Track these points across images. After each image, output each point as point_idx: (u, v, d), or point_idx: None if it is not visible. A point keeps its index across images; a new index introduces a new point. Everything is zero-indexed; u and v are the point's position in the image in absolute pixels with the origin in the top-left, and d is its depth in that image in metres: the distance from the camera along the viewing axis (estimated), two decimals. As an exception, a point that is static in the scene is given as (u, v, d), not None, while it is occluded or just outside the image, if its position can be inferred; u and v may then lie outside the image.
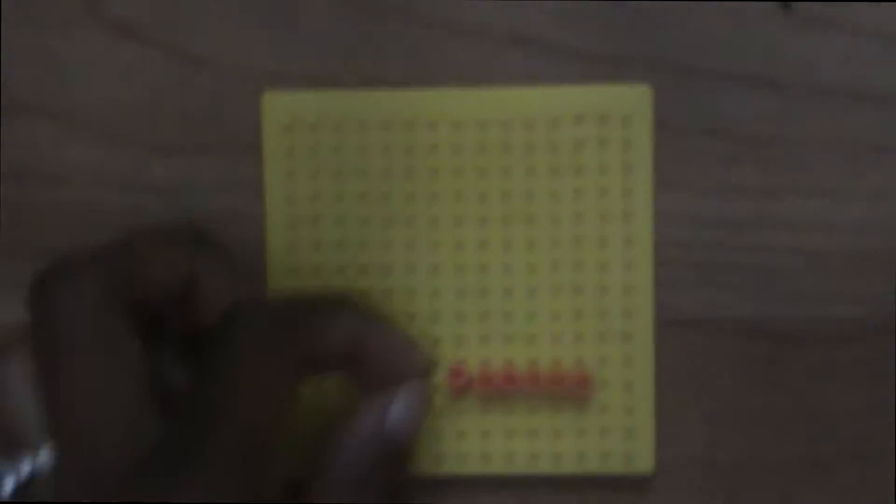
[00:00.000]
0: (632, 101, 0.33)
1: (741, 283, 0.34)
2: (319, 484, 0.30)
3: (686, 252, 0.34)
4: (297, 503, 0.30)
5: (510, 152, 0.33)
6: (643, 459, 0.34)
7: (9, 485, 0.30)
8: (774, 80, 0.33)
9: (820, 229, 0.34)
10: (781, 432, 0.34)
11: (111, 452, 0.27)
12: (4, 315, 0.34)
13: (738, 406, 0.34)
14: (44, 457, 0.30)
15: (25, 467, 0.30)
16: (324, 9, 0.34)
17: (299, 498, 0.30)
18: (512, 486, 0.34)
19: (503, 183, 0.33)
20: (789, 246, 0.34)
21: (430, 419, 0.34)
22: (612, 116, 0.33)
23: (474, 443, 0.34)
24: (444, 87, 0.34)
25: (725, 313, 0.34)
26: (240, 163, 0.34)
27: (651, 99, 0.33)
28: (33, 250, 0.34)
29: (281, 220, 0.34)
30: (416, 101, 0.33)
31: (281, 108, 0.34)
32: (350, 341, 0.29)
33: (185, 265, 0.30)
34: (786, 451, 0.34)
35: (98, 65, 0.34)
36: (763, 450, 0.34)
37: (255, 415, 0.27)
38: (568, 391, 0.34)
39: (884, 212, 0.33)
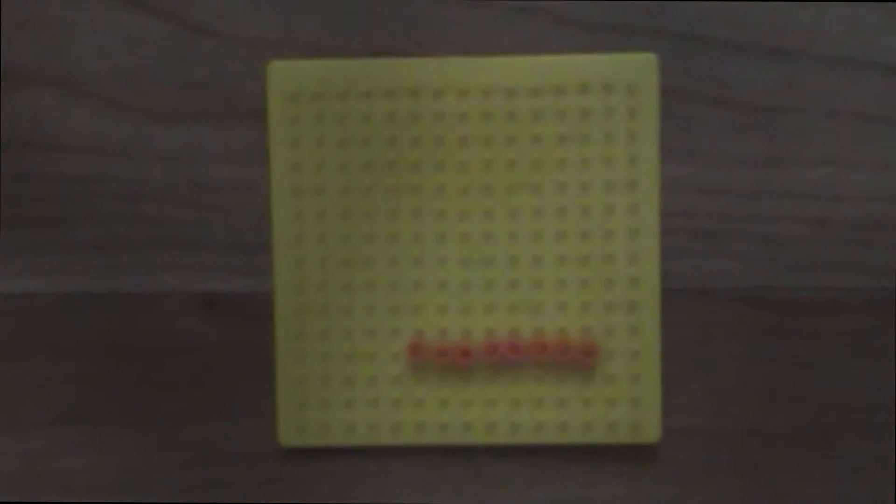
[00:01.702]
0: (637, 69, 0.33)
1: (746, 252, 0.34)
2: None
3: (691, 221, 0.34)
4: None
5: (516, 121, 0.33)
6: (649, 429, 0.34)
7: None
8: (779, 48, 0.33)
9: (825, 198, 0.34)
10: (786, 402, 0.34)
11: None
12: (7, 284, 0.34)
13: (743, 375, 0.34)
14: None
15: None
16: (329, -23, 0.34)
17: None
18: (518, 456, 0.34)
19: (509, 151, 0.33)
20: (794, 215, 0.34)
21: (435, 388, 0.34)
22: (617, 85, 0.33)
23: (480, 412, 0.34)
24: (450, 55, 0.33)
25: (731, 282, 0.34)
26: (244, 132, 0.34)
27: (656, 67, 0.33)
28: (37, 219, 0.34)
29: (286, 188, 0.34)
30: (422, 70, 0.33)
31: (286, 76, 0.33)
32: None
33: None
34: (790, 420, 0.34)
35: (102, 33, 0.34)
36: (768, 419, 0.34)
37: None
38: (574, 360, 0.33)
39: (888, 181, 0.34)
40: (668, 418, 0.34)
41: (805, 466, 0.34)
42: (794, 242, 0.34)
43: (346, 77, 0.33)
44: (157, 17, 0.34)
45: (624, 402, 0.34)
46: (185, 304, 0.34)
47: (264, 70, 0.34)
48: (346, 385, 0.34)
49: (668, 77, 0.33)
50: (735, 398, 0.34)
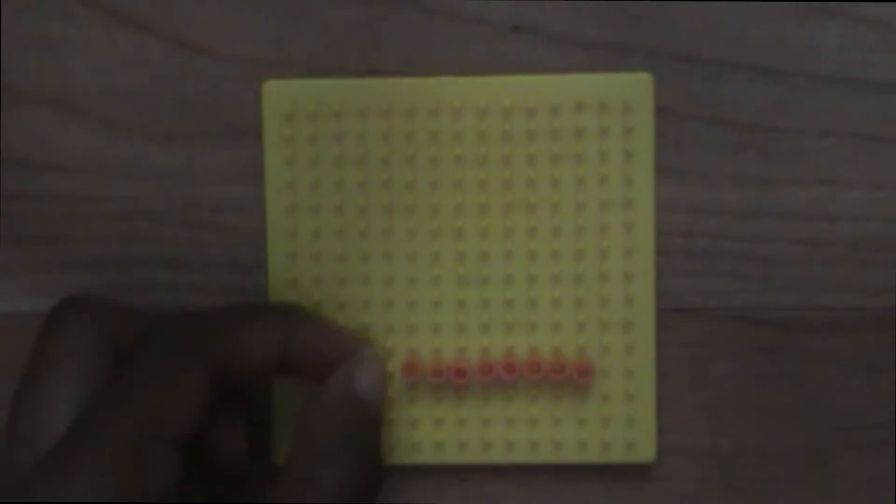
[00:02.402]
0: (632, 88, 0.33)
1: (742, 271, 0.34)
2: (296, 455, 0.30)
3: (687, 240, 0.34)
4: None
5: (511, 140, 0.33)
6: (644, 448, 0.34)
7: None
8: (775, 68, 0.33)
9: (820, 218, 0.34)
10: (781, 421, 0.34)
11: (26, 449, 0.28)
12: (2, 303, 0.34)
13: (738, 395, 0.34)
14: None
15: None
16: (324, -3, 0.34)
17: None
18: (512, 475, 0.34)
19: (504, 171, 0.33)
20: (790, 235, 0.34)
21: (430, 408, 0.34)
22: (612, 104, 0.33)
23: (475, 432, 0.34)
24: (445, 75, 0.33)
25: (726, 302, 0.34)
26: (240, 151, 0.34)
27: (652, 87, 0.33)
28: (33, 238, 0.34)
29: (281, 208, 0.34)
30: (417, 89, 0.33)
31: (281, 96, 0.33)
32: (275, 344, 0.30)
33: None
34: (786, 439, 0.34)
35: (98, 53, 0.34)
36: (763, 438, 0.34)
37: (142, 426, 0.27)
38: (568, 380, 0.33)
39: (883, 200, 0.34)
40: (663, 438, 0.34)
41: (801, 485, 0.34)
42: (789, 262, 0.34)
43: (342, 96, 0.33)
44: (153, 37, 0.34)
45: (619, 421, 0.34)
46: (180, 323, 0.34)
47: (260, 89, 0.34)
48: (341, 404, 0.34)
49: (663, 96, 0.33)
50: (730, 418, 0.34)
